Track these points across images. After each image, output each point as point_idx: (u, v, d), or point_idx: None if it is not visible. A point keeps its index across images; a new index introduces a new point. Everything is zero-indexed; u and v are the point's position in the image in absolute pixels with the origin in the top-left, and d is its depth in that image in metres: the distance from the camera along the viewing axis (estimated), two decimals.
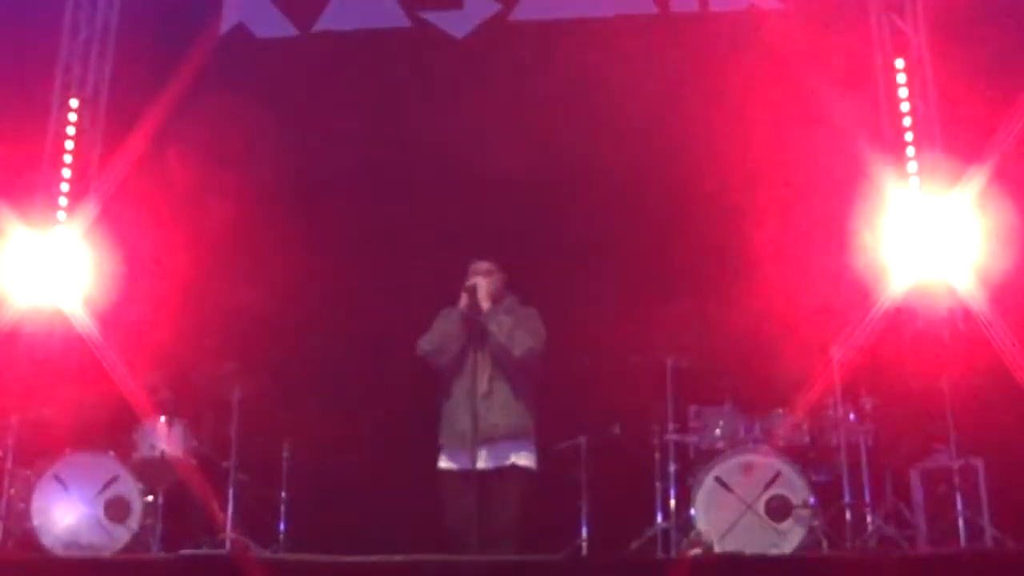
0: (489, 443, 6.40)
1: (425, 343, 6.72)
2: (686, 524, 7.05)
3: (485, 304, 6.61)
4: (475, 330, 6.57)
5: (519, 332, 6.57)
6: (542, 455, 6.73)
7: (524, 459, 6.52)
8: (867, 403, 7.28)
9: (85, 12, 8.77)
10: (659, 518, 7.27)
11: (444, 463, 6.61)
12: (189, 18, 8.77)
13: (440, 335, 6.68)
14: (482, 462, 6.37)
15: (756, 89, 7.79)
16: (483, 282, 6.64)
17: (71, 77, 8.66)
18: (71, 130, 8.52)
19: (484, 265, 6.77)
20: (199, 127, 8.04)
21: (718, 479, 6.99)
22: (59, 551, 7.10)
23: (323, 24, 8.85)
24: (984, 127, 7.23)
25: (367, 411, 7.71)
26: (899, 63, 7.99)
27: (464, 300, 6.63)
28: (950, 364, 7.26)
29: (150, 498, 7.39)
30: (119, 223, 8.08)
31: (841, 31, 7.90)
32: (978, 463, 7.10)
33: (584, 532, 7.35)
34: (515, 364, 6.56)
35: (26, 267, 8.01)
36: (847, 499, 7.06)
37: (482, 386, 6.49)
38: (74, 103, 8.58)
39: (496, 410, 6.48)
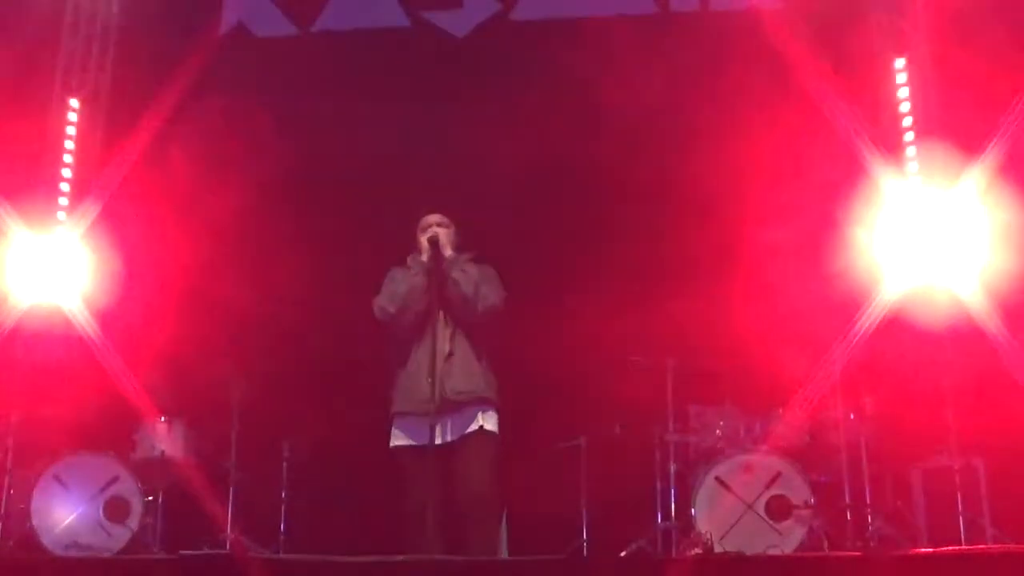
0: (454, 410, 6.15)
1: (386, 303, 6.34)
2: (686, 524, 7.05)
3: (448, 251, 6.34)
4: (437, 284, 6.25)
5: (484, 287, 6.29)
6: (540, 454, 6.72)
7: (490, 423, 6.22)
8: (867, 403, 7.29)
9: (85, 12, 8.76)
10: (659, 518, 7.28)
11: (400, 440, 6.30)
12: (189, 18, 8.76)
13: (405, 291, 6.31)
14: (448, 434, 6.13)
15: (756, 89, 7.79)
16: (443, 232, 6.40)
17: (71, 77, 8.65)
18: (71, 130, 8.51)
19: (437, 217, 6.51)
20: (199, 127, 8.04)
21: (718, 479, 7.00)
22: (59, 551, 7.10)
23: (323, 24, 8.85)
24: (984, 127, 7.22)
25: (367, 411, 7.71)
26: (899, 63, 7.99)
27: (425, 251, 6.35)
28: (950, 364, 7.27)
29: (150, 498, 7.40)
30: (119, 223, 8.08)
31: (841, 31, 7.89)
32: (978, 463, 7.11)
33: (584, 532, 7.35)
34: (477, 321, 6.27)
35: (26, 267, 8.00)
36: (847, 499, 7.07)
37: (443, 347, 6.18)
38: (74, 103, 8.57)
39: (458, 373, 6.19)
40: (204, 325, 7.80)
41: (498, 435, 6.26)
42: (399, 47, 8.73)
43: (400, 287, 6.35)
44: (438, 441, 6.08)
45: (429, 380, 6.07)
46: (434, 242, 6.34)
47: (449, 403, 6.13)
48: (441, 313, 6.26)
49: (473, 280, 6.27)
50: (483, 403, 6.25)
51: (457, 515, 6.07)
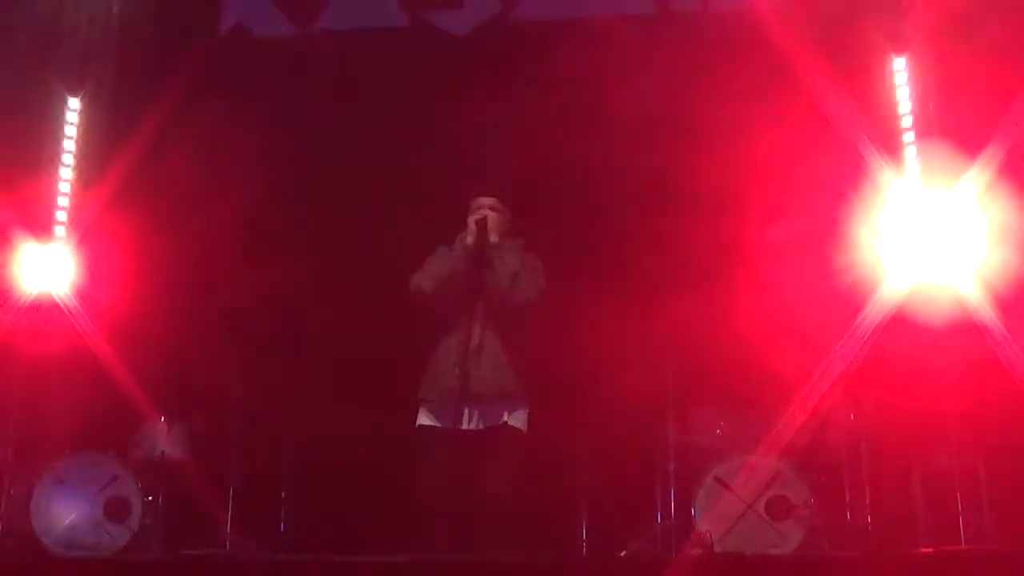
0: (479, 402, 6.05)
1: (423, 281, 6.21)
2: (686, 524, 7.05)
3: (494, 237, 6.23)
4: (477, 269, 6.14)
5: (521, 279, 6.18)
6: (540, 453, 6.69)
7: (517, 420, 6.15)
8: (867, 403, 7.28)
9: (85, 12, 8.76)
10: (659, 518, 7.28)
11: (425, 419, 6.18)
12: (189, 18, 8.78)
13: (444, 271, 6.18)
14: (471, 422, 6.04)
15: (756, 89, 7.79)
16: (493, 215, 6.29)
17: (71, 77, 8.65)
18: (71, 130, 8.51)
19: (490, 200, 6.39)
20: (199, 127, 8.04)
21: (718, 479, 6.99)
22: (59, 551, 7.10)
23: (323, 24, 8.85)
24: (984, 128, 7.22)
25: (368, 411, 7.71)
26: (899, 63, 7.99)
27: (472, 233, 6.22)
28: (951, 364, 7.26)
29: (150, 498, 7.39)
30: (119, 223, 8.08)
31: (841, 30, 7.89)
32: (978, 463, 7.10)
33: (584, 532, 7.35)
34: (511, 314, 6.18)
35: (25, 267, 8.00)
36: (847, 499, 7.06)
37: (474, 339, 6.06)
38: (74, 103, 8.57)
39: (487, 367, 6.06)
40: (204, 325, 7.81)
41: (525, 433, 6.16)
42: (399, 47, 8.72)
43: (441, 267, 6.23)
44: (464, 426, 5.99)
45: (456, 372, 5.96)
46: (482, 225, 6.22)
47: (475, 397, 6.02)
48: (476, 303, 6.16)
49: (512, 271, 6.15)
50: (510, 400, 6.14)
51: (470, 509, 6.00)
